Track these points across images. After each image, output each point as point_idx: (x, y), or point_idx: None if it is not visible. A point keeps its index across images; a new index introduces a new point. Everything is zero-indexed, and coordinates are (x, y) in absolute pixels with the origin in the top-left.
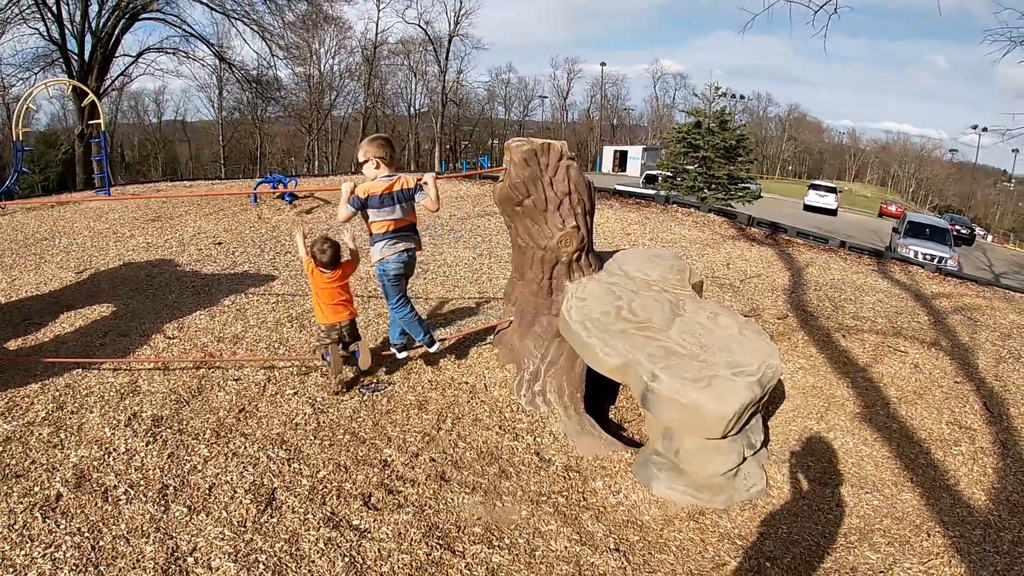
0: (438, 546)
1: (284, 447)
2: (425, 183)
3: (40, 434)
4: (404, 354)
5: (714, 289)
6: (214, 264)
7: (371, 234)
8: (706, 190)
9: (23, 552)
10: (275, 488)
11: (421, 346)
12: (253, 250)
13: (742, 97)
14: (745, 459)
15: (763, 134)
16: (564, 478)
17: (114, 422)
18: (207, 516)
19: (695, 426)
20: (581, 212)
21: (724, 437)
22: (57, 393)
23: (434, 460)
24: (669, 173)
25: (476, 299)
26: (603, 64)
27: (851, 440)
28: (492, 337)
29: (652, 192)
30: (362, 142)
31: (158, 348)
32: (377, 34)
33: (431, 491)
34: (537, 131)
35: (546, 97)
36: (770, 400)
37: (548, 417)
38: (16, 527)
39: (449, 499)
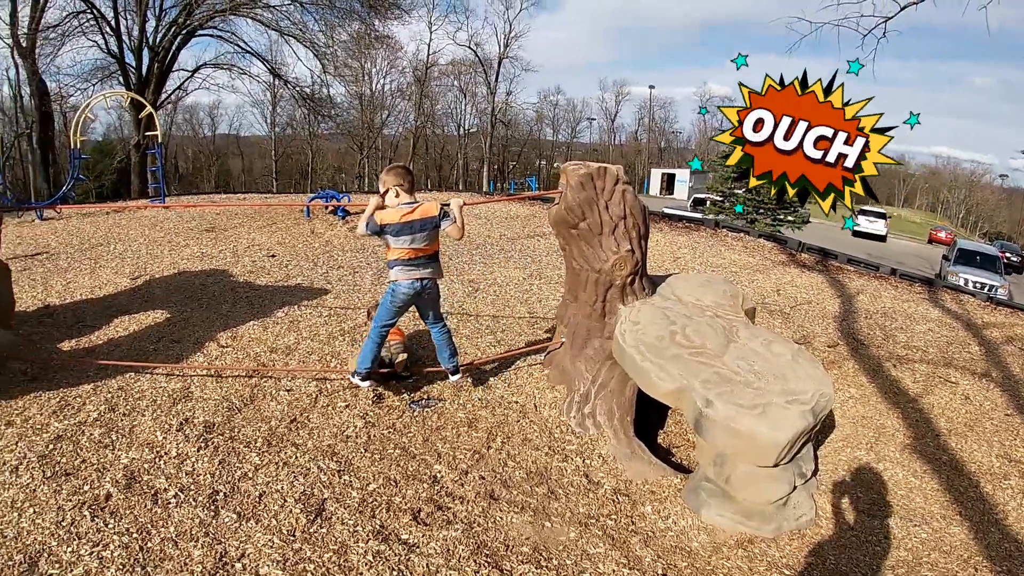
0: (486, 564)
1: (335, 458)
2: (450, 209)
3: (91, 434)
4: (456, 377)
5: (764, 315)
6: (267, 276)
7: (388, 258)
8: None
9: (70, 549)
10: (325, 499)
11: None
12: (306, 264)
13: None
14: (795, 488)
15: None
16: (613, 501)
17: (166, 426)
18: (256, 523)
19: (748, 453)
20: (636, 236)
21: (776, 465)
22: (110, 395)
23: (483, 478)
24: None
25: (526, 319)
26: (651, 87)
27: (900, 471)
28: (543, 357)
29: (701, 216)
30: (381, 172)
31: (211, 356)
32: (428, 55)
33: (480, 509)
34: (585, 153)
35: (594, 119)
36: (820, 429)
37: (597, 440)
38: (64, 524)
39: (498, 518)
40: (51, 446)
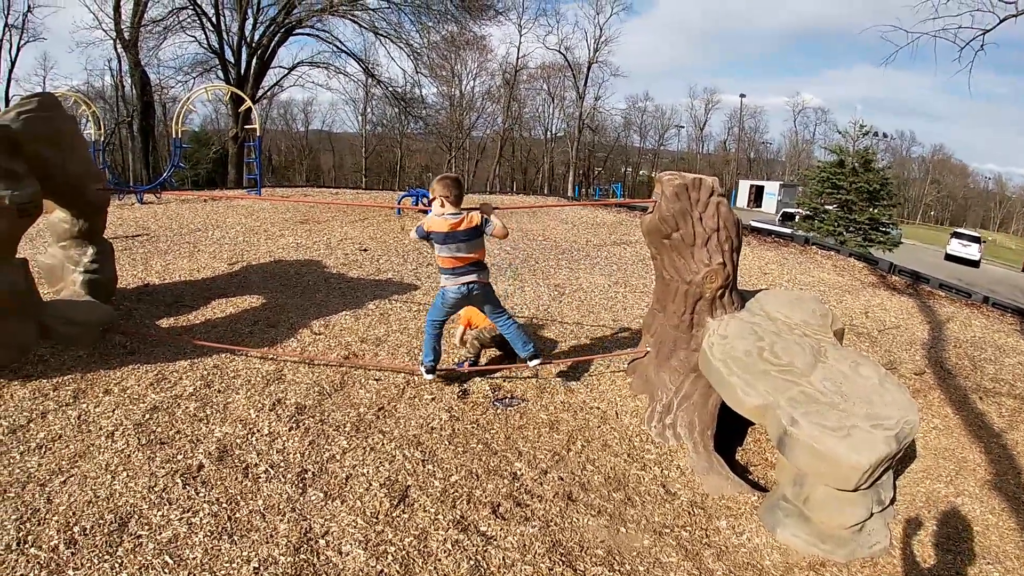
0: (560, 562)
1: (419, 448)
2: (489, 216)
3: (187, 407)
4: (536, 361)
5: (852, 337)
6: (359, 269)
7: (437, 263)
8: (845, 232)
9: (160, 513)
10: (408, 486)
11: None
12: (397, 259)
13: (884, 135)
14: (872, 515)
15: (905, 175)
16: (689, 513)
17: (259, 405)
18: (342, 503)
19: (828, 475)
20: (728, 249)
21: (855, 490)
22: (205, 372)
23: (562, 479)
24: (808, 213)
25: (610, 326)
26: (742, 96)
27: (978, 507)
28: (626, 365)
29: (790, 231)
30: (432, 181)
31: (304, 342)
32: (518, 58)
33: (557, 508)
34: (672, 161)
35: (682, 127)
36: (901, 458)
37: (677, 451)
38: (156, 489)
39: (574, 519)
40: (147, 416)
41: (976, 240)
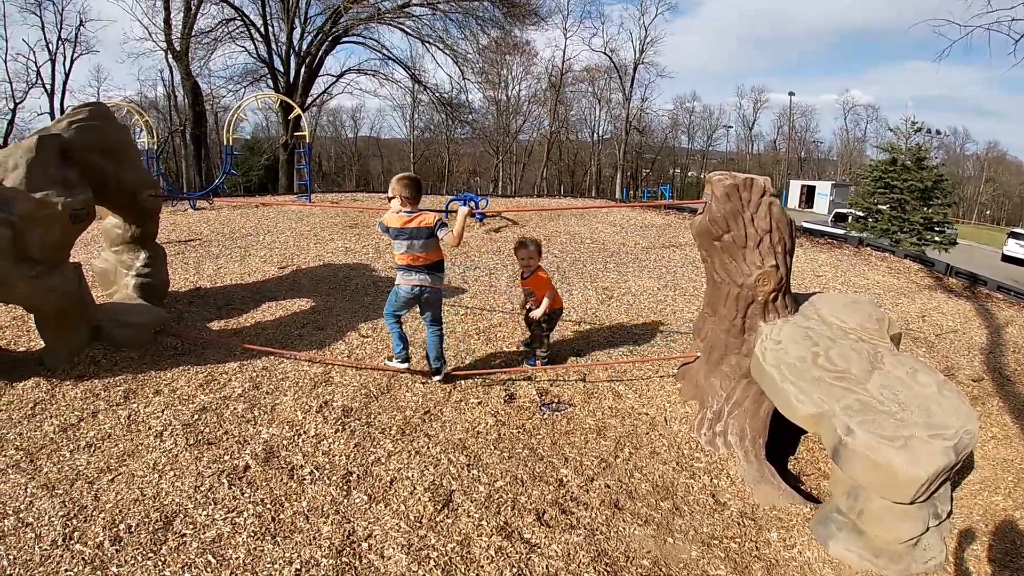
0: (605, 572)
1: (465, 452)
2: (446, 219)
3: (235, 408)
4: (437, 377)
5: (908, 342)
6: None
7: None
8: (899, 233)
9: (205, 513)
10: (453, 490)
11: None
12: (445, 263)
13: (938, 132)
14: (928, 529)
15: (959, 173)
16: (738, 524)
17: (306, 407)
18: (386, 507)
19: (885, 487)
20: (781, 251)
21: (912, 503)
22: (254, 374)
23: (609, 487)
24: (861, 213)
25: (659, 330)
26: (792, 94)
27: None
28: (676, 371)
29: (843, 232)
30: (392, 179)
31: (352, 345)
32: (563, 61)
33: (603, 517)
34: (720, 162)
35: (731, 127)
36: (958, 469)
37: (727, 459)
38: (202, 489)
39: (620, 528)
40: (196, 416)
41: None
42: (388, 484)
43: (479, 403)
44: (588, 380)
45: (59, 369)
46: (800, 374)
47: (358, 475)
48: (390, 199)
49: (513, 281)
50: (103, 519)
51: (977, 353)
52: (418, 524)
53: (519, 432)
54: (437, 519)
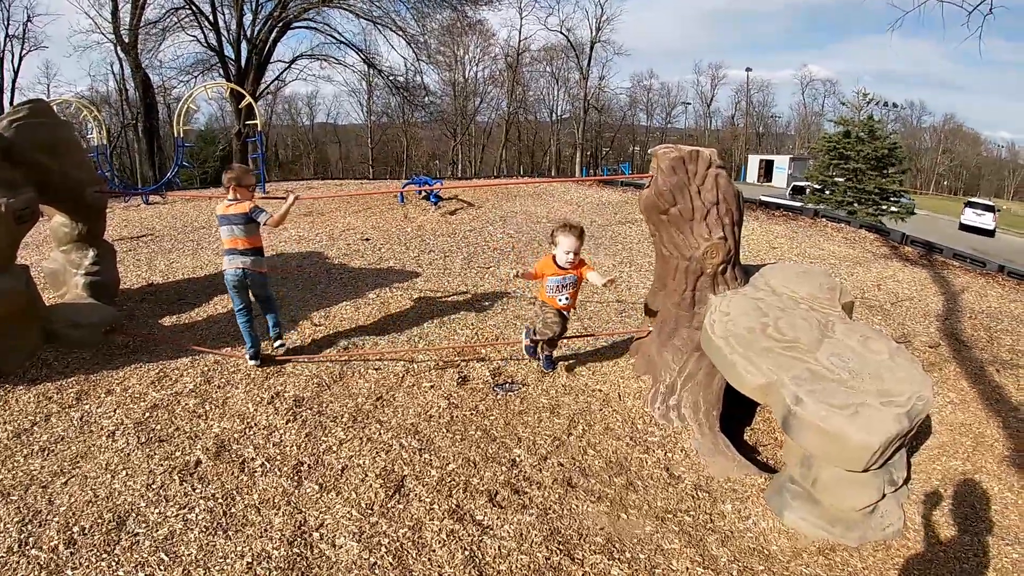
0: (558, 551)
1: (417, 437)
2: (260, 208)
3: (186, 404)
4: (280, 342)
5: (863, 311)
6: (361, 259)
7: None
8: (856, 204)
9: (157, 511)
10: (405, 476)
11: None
12: (399, 247)
13: (894, 105)
14: (884, 496)
15: (916, 146)
16: (692, 497)
17: (257, 399)
18: (337, 495)
19: (837, 456)
20: (729, 223)
21: (866, 470)
22: (206, 368)
23: (562, 465)
24: (817, 185)
25: (614, 306)
26: (748, 70)
27: (997, 485)
28: (630, 346)
29: (800, 205)
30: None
31: (304, 334)
32: (520, 41)
33: (556, 495)
34: (680, 138)
35: (689, 104)
36: (915, 435)
37: (681, 432)
38: (154, 487)
39: (574, 506)
40: (147, 414)
41: (990, 209)
42: (339, 472)
43: (432, 386)
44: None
45: (12, 374)
46: (749, 345)
47: (309, 465)
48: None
49: (468, 263)
50: (57, 523)
51: (933, 319)
52: (369, 511)
53: (472, 414)
54: (389, 505)
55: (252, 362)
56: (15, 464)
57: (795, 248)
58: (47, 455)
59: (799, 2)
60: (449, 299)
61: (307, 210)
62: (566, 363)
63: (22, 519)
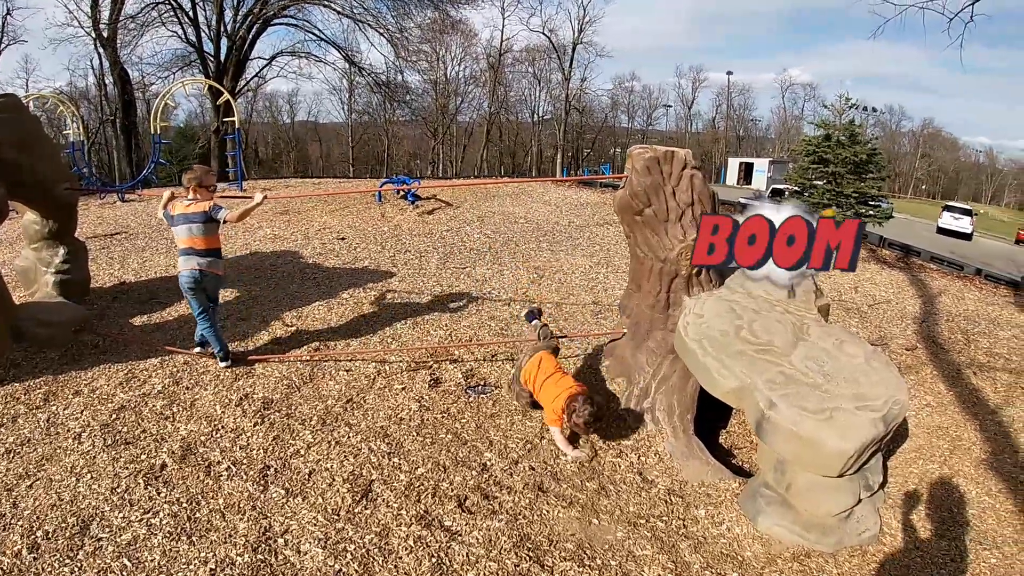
0: (527, 558)
1: (386, 440)
2: (219, 206)
3: (154, 406)
4: (224, 364)
5: (840, 313)
6: (336, 258)
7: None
8: (834, 207)
9: (121, 515)
10: (372, 480)
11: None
12: (375, 247)
13: (874, 110)
14: (860, 501)
15: (895, 150)
16: (665, 502)
17: (225, 400)
18: (303, 500)
19: (811, 461)
20: None
21: (841, 476)
22: (175, 369)
23: (533, 469)
24: (796, 188)
25: (590, 307)
26: (729, 73)
27: (974, 489)
28: (605, 347)
29: None
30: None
31: (275, 335)
32: (502, 41)
33: (527, 500)
34: (660, 141)
35: (670, 106)
36: (892, 438)
37: (655, 436)
38: (118, 491)
39: (544, 511)
40: (114, 416)
41: (968, 213)
42: (307, 477)
43: (403, 388)
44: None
45: None
46: (722, 348)
47: (276, 468)
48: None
49: (444, 263)
50: (21, 527)
51: (910, 322)
52: (336, 517)
53: (443, 417)
54: (355, 510)
55: (223, 364)
56: None
57: None
58: (12, 457)
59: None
60: (423, 300)
61: (283, 208)
62: None
63: None
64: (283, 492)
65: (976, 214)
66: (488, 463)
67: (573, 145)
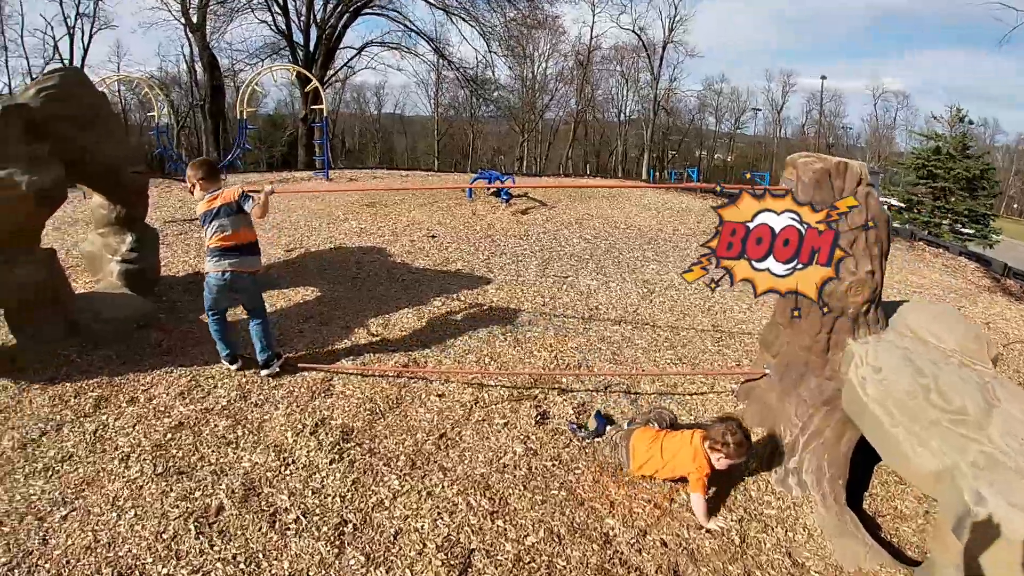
0: None
1: (488, 494)
2: (252, 193)
3: (216, 425)
4: (266, 371)
5: None
6: (426, 258)
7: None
8: (943, 225)
9: (165, 570)
10: (473, 549)
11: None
12: (467, 247)
13: (970, 123)
14: None
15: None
16: None
17: (299, 425)
18: (387, 573)
19: (1012, 569)
20: (878, 254)
21: None
22: (243, 379)
23: (665, 544)
24: (902, 203)
25: (710, 333)
26: (823, 78)
27: None
28: (735, 386)
29: (896, 226)
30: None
31: (359, 344)
32: (591, 39)
33: None
34: (748, 146)
35: (759, 110)
36: None
37: (802, 504)
38: (165, 537)
39: None
40: (169, 435)
41: None
42: (392, 539)
43: (505, 423)
44: (632, 393)
45: (30, 369)
46: (914, 416)
47: (355, 524)
48: (190, 190)
49: (543, 269)
50: (47, 569)
51: None
52: None
53: (554, 464)
54: None
55: (233, 366)
56: (14, 484)
57: (895, 274)
58: (51, 476)
59: (876, 7)
60: (523, 313)
61: (370, 200)
62: (661, 401)
63: (10, 559)
64: (363, 558)
65: None
66: (611, 533)
67: (659, 146)
